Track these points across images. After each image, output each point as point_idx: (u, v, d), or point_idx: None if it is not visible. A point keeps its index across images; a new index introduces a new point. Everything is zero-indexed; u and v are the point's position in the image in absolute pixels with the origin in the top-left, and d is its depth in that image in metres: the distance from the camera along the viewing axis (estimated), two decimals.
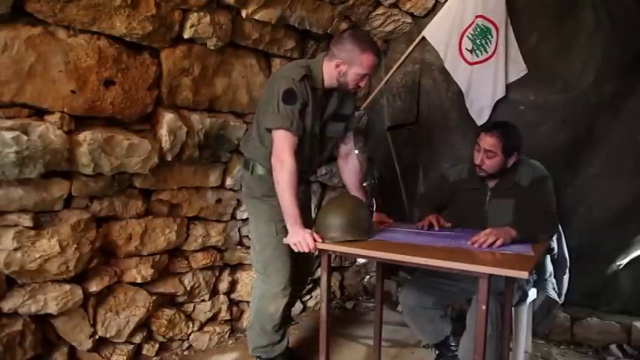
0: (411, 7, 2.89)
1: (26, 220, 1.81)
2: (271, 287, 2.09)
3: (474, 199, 2.12)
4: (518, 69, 2.59)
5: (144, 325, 2.30)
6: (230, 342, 2.62)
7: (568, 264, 2.24)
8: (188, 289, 2.45)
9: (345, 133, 2.20)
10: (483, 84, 2.67)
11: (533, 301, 2.26)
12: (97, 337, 2.12)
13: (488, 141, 1.98)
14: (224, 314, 2.63)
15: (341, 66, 1.91)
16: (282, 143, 1.84)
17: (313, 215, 2.57)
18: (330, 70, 1.94)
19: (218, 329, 2.59)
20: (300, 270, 2.26)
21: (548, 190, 2.00)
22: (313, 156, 2.09)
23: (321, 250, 1.77)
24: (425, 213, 2.15)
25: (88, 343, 2.08)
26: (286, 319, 2.20)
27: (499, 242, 1.68)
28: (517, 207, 2.01)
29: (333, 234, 1.75)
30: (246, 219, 2.54)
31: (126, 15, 1.91)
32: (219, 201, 2.51)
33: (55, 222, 1.91)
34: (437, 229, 2.04)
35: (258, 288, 2.17)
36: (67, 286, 1.96)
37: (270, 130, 1.89)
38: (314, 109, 1.94)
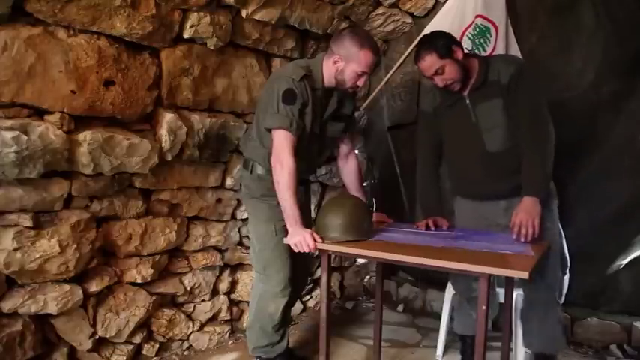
0: (411, 7, 2.89)
1: (26, 220, 1.81)
2: (271, 287, 2.09)
3: (458, 115, 2.01)
4: None
5: (144, 325, 2.30)
6: (230, 342, 2.62)
7: (568, 264, 2.24)
8: (188, 289, 2.45)
9: (344, 133, 2.20)
10: None
11: None
12: (97, 337, 2.12)
13: (425, 65, 1.90)
14: (224, 314, 2.63)
15: (339, 62, 1.90)
16: (282, 143, 1.84)
17: (313, 215, 2.58)
18: (329, 68, 1.94)
19: (218, 329, 2.59)
20: (300, 270, 2.26)
21: (527, 78, 1.87)
22: (313, 156, 2.10)
23: (321, 250, 1.76)
24: (429, 202, 2.14)
25: (88, 343, 2.08)
26: (286, 319, 2.20)
27: (536, 224, 1.71)
28: (505, 106, 1.91)
29: (333, 234, 1.75)
30: (246, 219, 2.54)
31: (126, 15, 1.91)
32: (219, 201, 2.51)
33: (55, 222, 1.91)
34: (433, 229, 2.04)
35: (258, 288, 2.17)
36: (67, 286, 1.96)
37: (269, 131, 1.89)
38: (314, 109, 1.94)
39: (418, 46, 1.97)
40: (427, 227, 2.04)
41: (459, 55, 1.91)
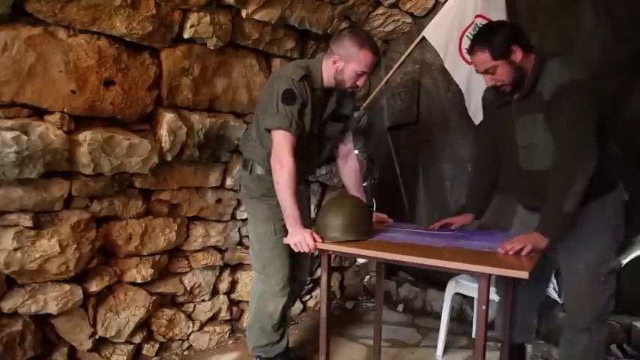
0: (411, 7, 2.89)
1: (26, 220, 1.81)
2: (270, 287, 2.09)
3: (504, 118, 1.83)
4: None
5: (144, 325, 2.30)
6: (230, 342, 2.62)
7: None
8: (188, 289, 2.45)
9: (344, 133, 2.20)
10: (483, 84, 2.66)
11: None
12: (97, 337, 2.12)
13: (476, 61, 1.74)
14: (224, 314, 2.63)
15: (338, 62, 1.90)
16: (282, 144, 1.84)
17: (313, 215, 2.57)
18: (328, 69, 1.94)
19: (218, 329, 2.59)
20: (300, 270, 2.27)
21: (569, 100, 1.59)
22: (312, 156, 2.10)
23: (321, 250, 1.77)
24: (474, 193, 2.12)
25: (88, 343, 2.08)
26: (285, 319, 2.20)
27: (528, 248, 1.57)
28: (547, 122, 1.67)
29: (333, 234, 1.75)
30: (246, 219, 2.54)
31: (126, 15, 1.91)
32: (219, 201, 2.51)
33: (55, 222, 1.91)
34: (436, 229, 2.04)
35: (257, 287, 2.17)
36: (67, 286, 1.96)
37: (269, 131, 1.89)
38: (313, 109, 1.94)
39: (473, 38, 1.77)
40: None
41: (518, 57, 1.68)
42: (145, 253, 2.24)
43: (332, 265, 1.86)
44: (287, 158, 1.82)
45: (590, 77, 1.64)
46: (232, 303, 2.69)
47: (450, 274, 2.44)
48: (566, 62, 1.68)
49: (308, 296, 3.09)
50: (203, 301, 2.54)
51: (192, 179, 2.37)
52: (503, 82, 1.73)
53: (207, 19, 2.14)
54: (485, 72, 1.74)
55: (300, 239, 1.74)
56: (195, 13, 2.12)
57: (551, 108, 1.64)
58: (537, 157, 1.74)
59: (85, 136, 1.87)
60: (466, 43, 2.69)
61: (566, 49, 2.47)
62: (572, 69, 1.65)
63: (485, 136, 2.10)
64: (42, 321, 1.97)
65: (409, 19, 2.98)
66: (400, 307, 3.15)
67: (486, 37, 1.71)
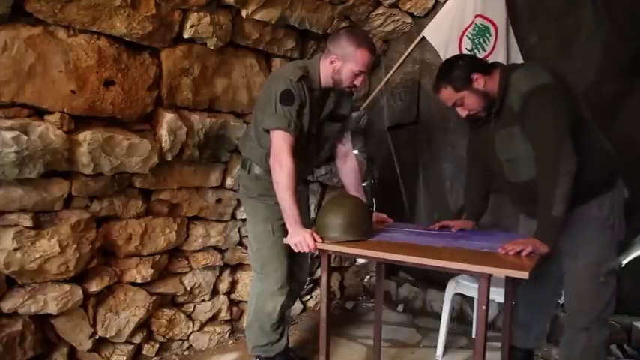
0: (411, 7, 2.89)
1: (26, 220, 1.81)
2: (269, 286, 2.09)
3: (486, 135, 1.87)
4: None
5: (144, 325, 2.30)
6: (230, 342, 2.62)
7: None
8: (188, 289, 2.45)
9: (342, 133, 2.20)
10: None
11: None
12: (97, 337, 2.12)
13: (442, 98, 1.81)
14: (224, 314, 2.63)
15: (335, 62, 1.90)
16: (280, 144, 1.84)
17: (313, 215, 2.57)
18: (325, 68, 1.94)
19: (218, 329, 2.59)
20: (299, 269, 2.27)
21: (534, 109, 1.64)
22: (311, 156, 2.10)
23: (321, 250, 1.76)
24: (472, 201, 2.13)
25: (88, 343, 2.08)
26: (284, 318, 2.20)
27: (528, 249, 1.57)
28: (523, 134, 1.72)
29: (333, 234, 1.75)
30: (246, 219, 2.55)
31: (126, 15, 1.91)
32: (219, 201, 2.51)
33: (55, 222, 1.91)
34: (436, 229, 2.04)
35: (256, 287, 2.16)
36: (67, 286, 1.97)
37: (267, 131, 1.89)
38: (311, 109, 1.94)
39: (436, 76, 1.84)
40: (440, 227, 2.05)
41: (480, 83, 1.74)
42: (145, 253, 2.24)
43: (332, 265, 1.86)
44: (286, 158, 1.82)
45: (555, 80, 1.66)
46: (232, 303, 2.69)
47: (450, 274, 2.44)
48: (528, 71, 1.72)
49: (308, 296, 3.09)
50: (203, 301, 2.54)
51: (192, 179, 2.37)
52: (475, 110, 1.79)
53: (207, 19, 2.14)
54: (454, 105, 1.81)
55: (300, 239, 1.74)
56: (195, 13, 2.12)
57: (522, 118, 1.69)
58: (521, 169, 1.76)
59: (85, 136, 1.87)
60: (466, 43, 2.71)
61: (566, 50, 2.48)
62: (534, 76, 1.67)
63: (473, 147, 2.13)
64: (42, 321, 1.97)
65: (409, 19, 2.99)
66: (400, 307, 3.15)
67: (446, 73, 1.79)
